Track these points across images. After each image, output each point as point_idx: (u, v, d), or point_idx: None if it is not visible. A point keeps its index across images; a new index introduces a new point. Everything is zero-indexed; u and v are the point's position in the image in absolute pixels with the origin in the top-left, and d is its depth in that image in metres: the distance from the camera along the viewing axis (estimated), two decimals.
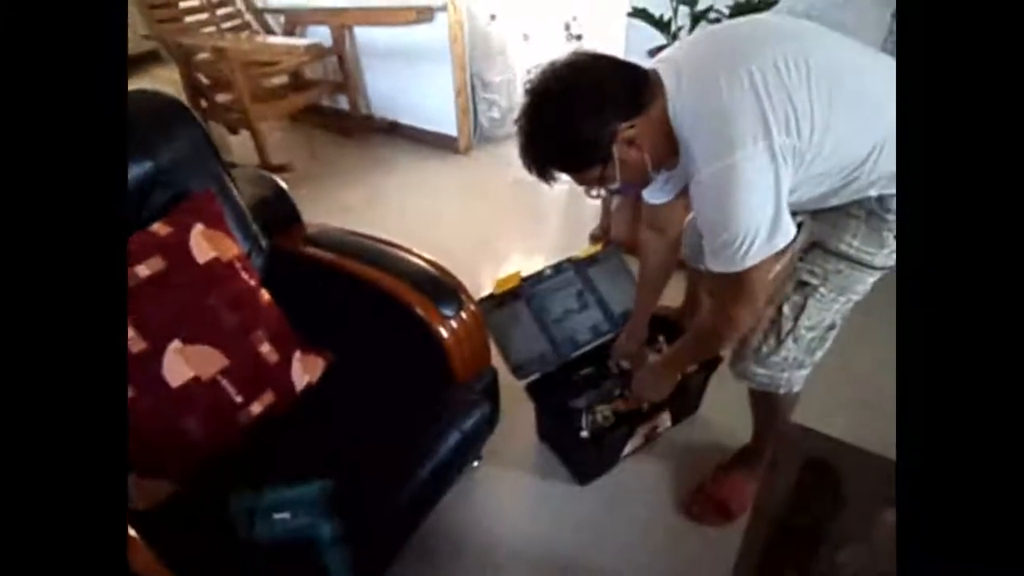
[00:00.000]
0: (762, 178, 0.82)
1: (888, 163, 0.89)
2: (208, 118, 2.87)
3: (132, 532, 0.75)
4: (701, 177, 0.85)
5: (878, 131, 0.87)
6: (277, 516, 0.87)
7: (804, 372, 1.14)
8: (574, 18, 2.48)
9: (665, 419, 1.49)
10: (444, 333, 1.15)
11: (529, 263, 2.25)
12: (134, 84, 3.19)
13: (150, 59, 3.63)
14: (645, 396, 1.33)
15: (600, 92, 0.85)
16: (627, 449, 1.44)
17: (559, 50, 2.58)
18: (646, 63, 0.92)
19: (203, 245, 1.04)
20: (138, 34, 2.96)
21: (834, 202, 0.98)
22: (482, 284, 2.13)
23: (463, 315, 1.18)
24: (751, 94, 0.81)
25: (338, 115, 3.27)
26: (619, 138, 0.86)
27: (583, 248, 1.57)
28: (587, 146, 0.87)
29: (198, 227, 1.04)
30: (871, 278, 1.02)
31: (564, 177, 0.94)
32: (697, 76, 0.86)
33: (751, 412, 1.30)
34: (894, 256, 0.98)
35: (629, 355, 1.45)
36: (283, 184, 1.37)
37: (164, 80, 2.88)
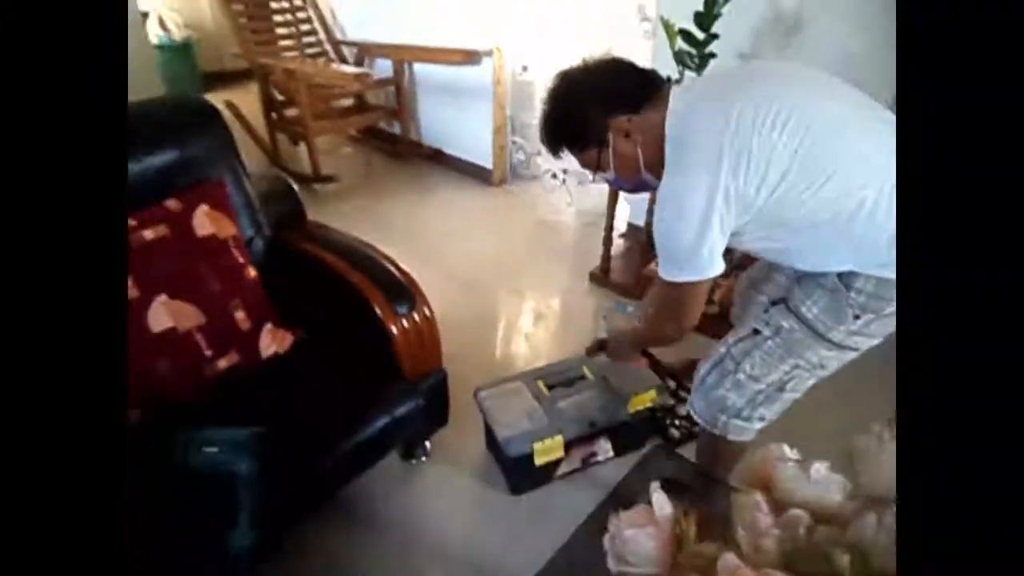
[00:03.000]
0: (699, 206, 0.89)
1: (849, 239, 0.91)
2: (276, 129, 3.23)
3: None
4: (662, 187, 0.95)
5: (835, 204, 0.88)
6: (207, 450, 1.03)
7: (745, 425, 1.14)
8: None
9: (606, 448, 1.55)
10: (394, 329, 1.29)
11: (534, 294, 2.38)
12: (230, 95, 3.60)
13: (246, 76, 4.13)
14: (614, 354, 1.47)
15: (606, 82, 1.01)
16: (560, 470, 1.51)
17: None
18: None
19: (204, 222, 1.25)
20: (232, 53, 3.41)
21: (795, 261, 1.01)
22: (493, 304, 2.30)
23: (415, 316, 1.33)
24: (721, 129, 0.88)
25: (393, 139, 3.58)
26: (614, 126, 0.99)
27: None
28: (586, 124, 1.01)
29: (203, 207, 1.25)
30: (824, 350, 1.02)
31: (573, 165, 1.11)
32: (695, 99, 0.96)
33: (695, 454, 1.34)
34: (853, 337, 0.99)
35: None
36: (294, 185, 1.59)
37: (254, 94, 3.29)
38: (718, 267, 0.95)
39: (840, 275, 0.97)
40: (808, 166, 0.88)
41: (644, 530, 0.55)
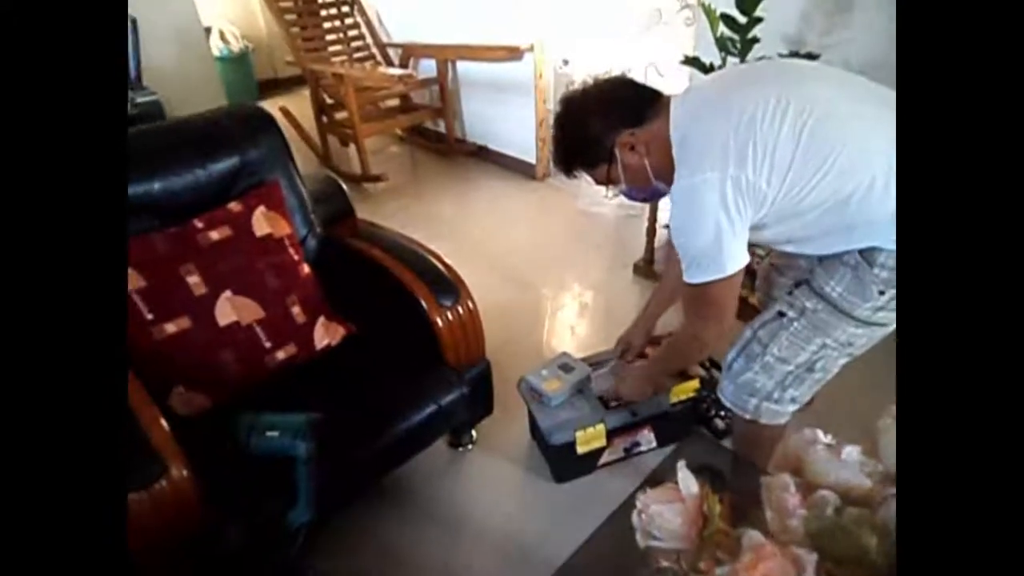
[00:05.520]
0: (712, 202, 0.91)
1: (867, 215, 0.92)
2: (327, 131, 3.37)
3: (163, 423, 1.03)
4: (673, 188, 0.98)
5: (850, 181, 0.90)
6: (268, 434, 1.11)
7: (777, 408, 1.14)
8: (629, 70, 2.67)
9: (649, 437, 1.56)
10: (439, 321, 1.35)
11: (578, 285, 2.40)
12: (284, 101, 3.82)
13: (298, 81, 4.32)
14: (623, 393, 1.45)
15: (608, 101, 1.05)
16: (603, 459, 1.53)
17: None
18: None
19: (262, 223, 1.34)
20: (285, 61, 3.57)
21: (818, 248, 1.02)
22: (537, 295, 2.35)
23: (459, 309, 1.38)
24: (724, 126, 0.92)
25: (438, 137, 3.66)
26: (620, 142, 1.03)
27: None
28: (592, 143, 1.05)
29: (261, 208, 1.35)
30: (851, 327, 1.03)
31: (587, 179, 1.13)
32: (696, 104, 1.00)
33: (732, 442, 1.35)
34: (879, 313, 0.99)
35: (627, 348, 1.53)
36: (344, 185, 1.67)
37: (306, 99, 3.43)
38: (741, 260, 0.96)
39: (862, 252, 0.97)
40: (812, 151, 0.89)
41: (671, 506, 0.57)
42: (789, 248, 1.08)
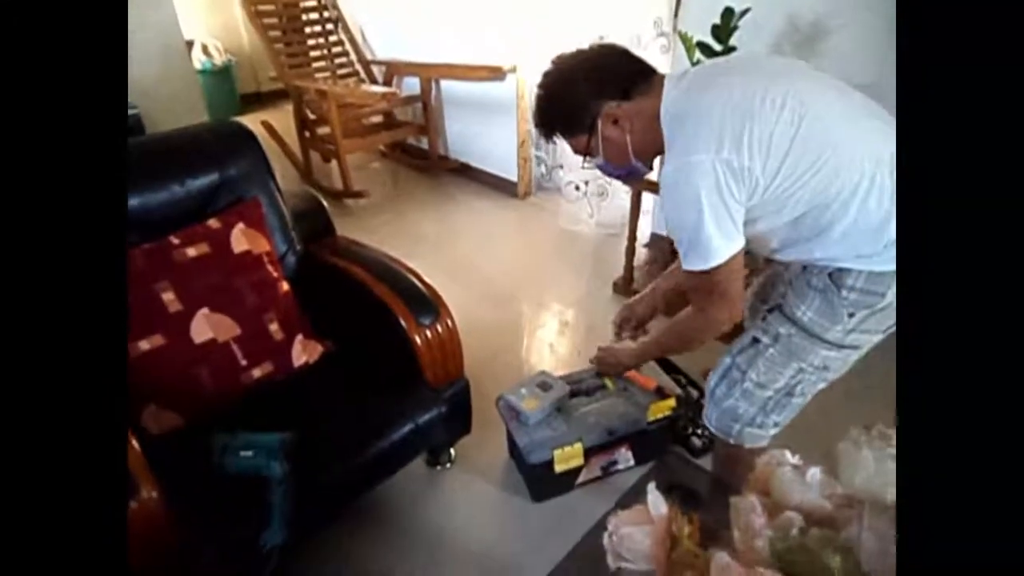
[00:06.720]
0: (704, 184, 0.88)
1: (848, 220, 0.92)
2: (309, 146, 3.37)
3: (134, 443, 1.01)
4: (664, 171, 0.95)
5: (836, 181, 0.90)
6: (243, 453, 1.10)
7: (760, 432, 1.15)
8: None
9: (627, 456, 1.57)
10: (418, 340, 1.35)
11: (557, 304, 2.42)
12: (266, 115, 3.81)
13: (281, 96, 4.33)
14: (602, 367, 1.48)
15: (599, 69, 1.00)
16: (581, 478, 1.54)
17: None
18: None
19: (241, 239, 1.33)
20: (268, 75, 3.58)
21: (800, 252, 1.01)
22: (517, 313, 2.36)
23: (438, 327, 1.38)
24: (720, 109, 0.89)
25: (421, 153, 3.68)
26: (604, 113, 0.99)
27: None
28: (576, 109, 1.01)
29: (240, 225, 1.34)
30: (824, 351, 1.03)
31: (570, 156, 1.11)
32: (692, 85, 0.97)
33: (712, 463, 1.36)
34: (851, 335, 1.00)
35: (629, 316, 1.45)
36: (324, 202, 1.67)
37: (289, 113, 3.44)
38: (736, 244, 0.93)
39: (830, 275, 0.98)
40: (806, 147, 0.88)
41: (640, 528, 0.58)
42: (774, 244, 1.04)
